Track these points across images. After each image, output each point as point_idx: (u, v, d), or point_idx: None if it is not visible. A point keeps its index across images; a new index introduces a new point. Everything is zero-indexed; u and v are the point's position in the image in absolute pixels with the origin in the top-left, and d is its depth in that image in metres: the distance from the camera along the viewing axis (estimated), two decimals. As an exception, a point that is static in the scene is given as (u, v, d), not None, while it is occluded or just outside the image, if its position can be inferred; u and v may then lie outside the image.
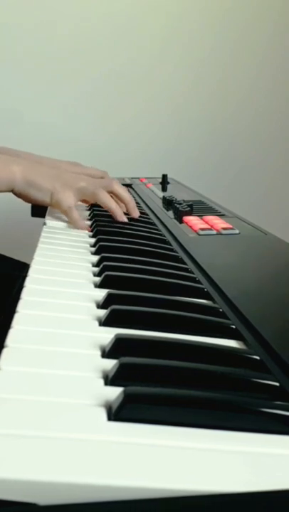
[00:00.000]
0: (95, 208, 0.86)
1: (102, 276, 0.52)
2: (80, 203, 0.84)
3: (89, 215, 0.85)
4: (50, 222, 0.78)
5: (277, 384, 0.34)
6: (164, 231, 0.77)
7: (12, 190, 0.79)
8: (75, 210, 0.79)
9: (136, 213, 0.83)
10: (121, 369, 0.33)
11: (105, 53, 1.68)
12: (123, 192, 0.83)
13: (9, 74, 1.64)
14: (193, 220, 0.79)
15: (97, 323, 0.42)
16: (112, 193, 0.82)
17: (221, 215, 0.86)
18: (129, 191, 1.10)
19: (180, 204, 0.87)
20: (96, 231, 0.72)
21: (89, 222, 0.80)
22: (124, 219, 0.80)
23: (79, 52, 1.67)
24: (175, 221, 0.82)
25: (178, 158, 1.78)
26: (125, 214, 0.81)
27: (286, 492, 0.25)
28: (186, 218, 0.81)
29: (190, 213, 0.84)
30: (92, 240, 0.69)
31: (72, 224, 0.78)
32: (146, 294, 0.47)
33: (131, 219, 0.81)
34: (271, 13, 1.78)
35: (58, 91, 1.68)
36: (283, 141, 1.89)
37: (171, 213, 0.88)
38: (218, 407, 0.30)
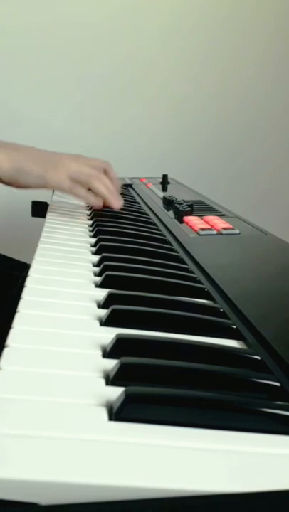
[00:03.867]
0: (95, 208, 0.86)
1: (103, 276, 0.52)
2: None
3: (89, 215, 0.85)
4: (50, 220, 0.78)
5: (278, 384, 0.34)
6: (164, 231, 0.77)
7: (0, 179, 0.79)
8: (79, 186, 0.79)
9: (115, 205, 0.83)
10: (122, 369, 0.33)
11: (105, 53, 1.68)
12: (102, 189, 0.83)
13: (9, 74, 1.64)
14: (193, 220, 0.79)
15: (97, 323, 0.42)
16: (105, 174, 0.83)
17: (221, 215, 0.86)
18: (128, 191, 1.11)
19: (180, 204, 0.87)
20: (96, 231, 0.72)
21: (89, 222, 0.80)
22: (120, 204, 0.82)
23: (79, 52, 1.67)
24: (175, 221, 0.82)
25: (178, 158, 1.78)
26: (125, 213, 0.81)
27: (287, 492, 0.25)
28: (187, 218, 0.81)
29: (190, 213, 0.84)
30: (93, 240, 0.69)
31: (83, 200, 0.79)
32: (146, 293, 0.47)
33: (131, 219, 0.81)
34: (272, 12, 1.78)
35: (58, 91, 1.68)
36: (283, 141, 1.89)
37: (171, 213, 0.88)
38: (219, 407, 0.30)
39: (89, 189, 0.82)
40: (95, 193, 0.82)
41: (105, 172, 0.84)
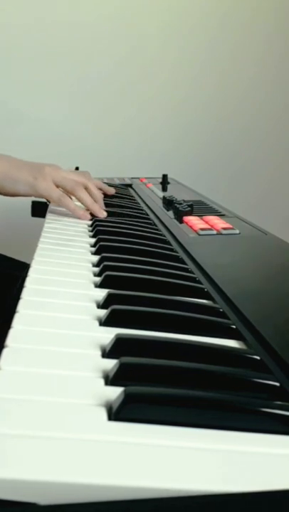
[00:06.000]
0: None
1: (103, 276, 0.52)
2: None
3: (89, 215, 0.85)
4: (50, 220, 0.78)
5: (277, 384, 0.34)
6: (164, 231, 0.77)
7: None
8: (68, 198, 0.79)
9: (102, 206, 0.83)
10: (121, 369, 0.33)
11: (105, 53, 1.68)
12: (95, 190, 0.83)
13: (9, 74, 1.64)
14: (193, 220, 0.79)
15: (97, 323, 0.42)
16: (86, 189, 0.83)
17: (221, 215, 0.86)
18: (128, 191, 1.11)
19: (180, 204, 0.87)
20: (96, 231, 0.72)
21: (89, 222, 0.80)
22: (104, 214, 0.81)
23: (79, 52, 1.67)
24: (175, 221, 0.82)
25: (178, 158, 1.78)
26: (125, 213, 0.81)
27: (287, 492, 0.25)
28: (186, 218, 0.81)
29: (190, 213, 0.84)
30: (93, 240, 0.69)
31: (71, 212, 0.79)
32: (146, 293, 0.47)
33: (131, 219, 0.81)
34: (272, 12, 1.78)
35: (58, 91, 1.68)
36: (283, 141, 1.89)
37: (171, 213, 0.88)
38: (218, 407, 0.30)
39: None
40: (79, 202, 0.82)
41: (87, 185, 0.84)
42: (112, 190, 0.98)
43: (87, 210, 0.82)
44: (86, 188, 0.83)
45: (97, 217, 0.81)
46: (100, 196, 0.86)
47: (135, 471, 0.25)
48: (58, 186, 0.80)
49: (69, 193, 0.82)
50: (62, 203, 0.79)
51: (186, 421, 0.29)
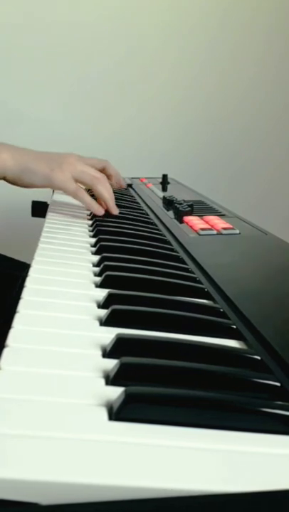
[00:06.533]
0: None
1: (103, 276, 0.52)
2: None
3: (89, 215, 0.85)
4: (50, 220, 0.78)
5: (278, 384, 0.34)
6: (164, 231, 0.77)
7: (4, 178, 0.79)
8: (84, 191, 0.79)
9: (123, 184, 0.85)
10: (122, 369, 0.33)
11: (105, 53, 1.68)
12: (106, 194, 0.83)
13: (9, 74, 1.64)
14: (193, 220, 0.79)
15: (97, 323, 0.42)
16: (104, 172, 0.84)
17: (221, 215, 0.86)
18: (128, 191, 1.11)
19: (180, 204, 0.87)
20: (96, 231, 0.72)
21: (89, 222, 0.80)
22: (117, 211, 0.82)
23: (79, 52, 1.67)
24: (175, 221, 0.82)
25: (178, 158, 1.78)
26: (125, 213, 0.81)
27: (287, 492, 0.25)
28: (187, 218, 0.81)
29: (190, 213, 0.84)
30: (93, 240, 0.69)
31: (86, 206, 0.79)
32: (146, 293, 0.47)
33: (131, 219, 0.81)
34: (272, 12, 1.78)
35: (58, 91, 1.68)
36: (283, 141, 1.89)
37: (171, 213, 0.88)
38: (219, 407, 0.30)
39: (88, 190, 0.83)
40: (96, 196, 0.83)
41: (105, 169, 0.84)
42: (124, 185, 0.99)
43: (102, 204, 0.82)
44: (104, 170, 0.84)
45: (110, 214, 0.82)
46: (118, 175, 0.88)
47: (136, 471, 0.25)
48: (76, 180, 0.80)
49: (87, 186, 0.82)
50: (77, 196, 0.79)
51: (187, 421, 0.29)
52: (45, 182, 0.79)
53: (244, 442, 0.28)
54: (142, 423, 0.29)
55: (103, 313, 0.43)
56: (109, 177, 0.84)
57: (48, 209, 0.87)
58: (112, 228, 0.74)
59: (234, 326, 0.43)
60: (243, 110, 1.83)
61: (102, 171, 0.85)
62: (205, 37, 1.75)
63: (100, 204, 0.82)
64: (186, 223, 0.80)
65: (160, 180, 1.21)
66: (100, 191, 0.81)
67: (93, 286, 0.51)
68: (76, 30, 1.65)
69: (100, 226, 0.75)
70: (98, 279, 0.52)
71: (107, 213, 0.83)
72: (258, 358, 0.38)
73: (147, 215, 0.88)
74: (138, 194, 1.10)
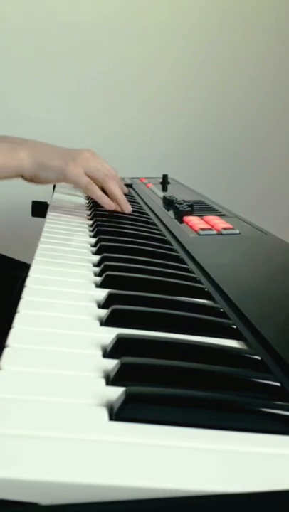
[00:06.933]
0: (96, 208, 0.86)
1: (103, 276, 0.52)
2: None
3: (89, 215, 0.85)
4: (51, 220, 0.78)
5: (278, 384, 0.34)
6: (164, 231, 0.77)
7: (22, 176, 0.80)
8: (96, 186, 0.80)
9: (126, 209, 0.85)
10: (122, 369, 0.33)
11: (105, 53, 1.68)
12: (117, 191, 0.84)
13: (9, 74, 1.64)
14: (193, 220, 0.79)
15: (98, 323, 0.42)
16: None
17: (221, 215, 0.86)
18: (128, 191, 1.11)
19: (180, 204, 0.87)
20: (97, 231, 0.72)
21: (89, 222, 0.80)
22: (130, 209, 0.82)
23: (79, 52, 1.67)
24: (175, 221, 0.82)
25: (178, 158, 1.78)
26: (125, 213, 0.81)
27: (287, 492, 0.25)
28: (187, 218, 0.81)
29: (190, 213, 0.84)
30: (93, 240, 0.69)
31: (97, 200, 0.80)
32: (147, 293, 0.47)
33: (131, 219, 0.81)
34: (272, 12, 1.78)
35: (58, 91, 1.68)
36: (283, 141, 1.89)
37: (171, 213, 0.88)
38: (219, 407, 0.30)
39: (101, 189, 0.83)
40: (107, 194, 0.83)
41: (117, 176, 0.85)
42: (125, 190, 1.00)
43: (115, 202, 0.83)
44: (117, 181, 0.84)
45: (122, 211, 0.82)
46: (124, 191, 0.87)
47: (136, 471, 0.25)
48: (88, 175, 0.80)
49: (99, 183, 0.83)
50: (88, 190, 0.80)
51: (187, 421, 0.29)
52: (60, 176, 0.80)
53: (244, 442, 0.28)
54: (143, 423, 0.29)
55: (103, 313, 0.43)
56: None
57: (48, 209, 0.87)
58: (112, 228, 0.74)
59: (234, 326, 0.43)
60: (243, 110, 1.83)
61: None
62: (205, 37, 1.75)
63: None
64: (186, 223, 0.80)
65: (160, 180, 1.21)
66: (111, 189, 0.81)
67: (93, 286, 0.51)
68: (76, 30, 1.65)
69: (100, 226, 0.75)
70: (98, 279, 0.52)
71: (108, 211, 0.83)
72: (258, 358, 0.38)
73: (147, 215, 0.88)
74: (138, 194, 1.10)
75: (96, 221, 0.78)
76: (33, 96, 1.66)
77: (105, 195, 0.81)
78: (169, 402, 0.30)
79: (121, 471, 0.25)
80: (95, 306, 0.46)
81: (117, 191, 0.82)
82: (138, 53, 1.71)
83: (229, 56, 1.79)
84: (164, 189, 1.15)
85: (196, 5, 1.73)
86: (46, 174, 0.79)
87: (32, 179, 0.80)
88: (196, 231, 0.75)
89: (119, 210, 0.83)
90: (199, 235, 0.73)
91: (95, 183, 0.82)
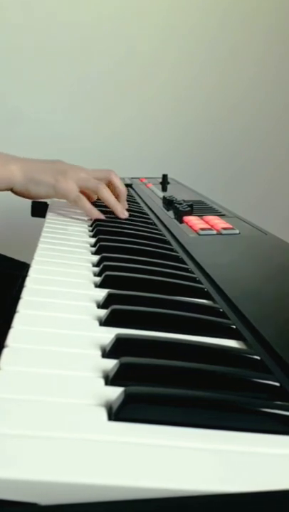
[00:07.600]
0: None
1: (103, 276, 0.52)
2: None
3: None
4: (50, 220, 0.78)
5: (277, 384, 0.34)
6: (164, 231, 0.77)
7: (12, 189, 0.80)
8: (84, 199, 0.80)
9: (125, 206, 0.85)
10: (121, 369, 0.33)
11: (105, 53, 1.68)
12: (120, 185, 0.84)
13: (9, 73, 1.64)
14: (193, 220, 0.79)
15: (97, 323, 0.42)
16: (110, 184, 0.84)
17: (221, 215, 0.86)
18: (128, 191, 1.11)
19: (180, 204, 0.87)
20: (96, 231, 0.72)
21: (89, 222, 0.80)
22: (125, 214, 0.81)
23: (79, 52, 1.67)
24: (175, 221, 0.82)
25: (178, 158, 1.78)
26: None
27: (287, 492, 0.25)
28: (187, 218, 0.81)
29: (190, 213, 0.84)
30: (93, 240, 0.69)
31: (85, 213, 0.80)
32: (146, 293, 0.47)
33: (131, 219, 0.81)
34: (272, 12, 1.78)
35: (58, 91, 1.68)
36: (283, 141, 1.89)
37: (171, 213, 0.88)
38: (218, 407, 0.30)
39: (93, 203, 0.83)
40: (102, 201, 0.83)
41: (111, 179, 0.84)
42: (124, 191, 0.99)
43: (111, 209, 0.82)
44: (110, 183, 0.83)
45: (118, 217, 0.81)
46: (123, 191, 0.86)
47: (135, 471, 0.25)
48: (81, 187, 0.80)
49: (93, 193, 0.83)
50: (77, 204, 0.80)
51: (186, 421, 0.29)
52: (50, 192, 0.80)
53: (243, 442, 0.28)
54: (142, 423, 0.29)
55: (103, 313, 0.43)
56: (113, 190, 0.84)
57: (48, 209, 0.87)
58: (111, 228, 0.74)
59: (234, 326, 0.43)
60: (243, 110, 1.83)
61: (108, 184, 0.85)
62: (205, 37, 1.75)
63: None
64: (186, 223, 0.80)
65: (160, 180, 1.21)
66: (104, 196, 0.81)
67: (93, 286, 0.51)
68: (76, 30, 1.65)
69: (100, 226, 0.75)
70: (98, 279, 0.52)
71: (108, 211, 0.83)
72: (258, 358, 0.38)
73: (147, 215, 0.88)
74: (138, 194, 1.10)
75: (96, 221, 0.78)
76: (33, 96, 1.66)
77: (94, 208, 0.81)
78: (168, 402, 0.30)
79: (120, 471, 0.25)
80: (94, 306, 0.46)
81: (111, 199, 0.81)
82: (138, 53, 1.71)
83: (229, 56, 1.78)
84: (164, 189, 1.15)
85: (195, 5, 1.73)
86: (37, 189, 0.79)
87: (23, 193, 0.80)
88: (195, 231, 0.75)
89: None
90: (199, 235, 0.73)
91: (89, 193, 0.83)
